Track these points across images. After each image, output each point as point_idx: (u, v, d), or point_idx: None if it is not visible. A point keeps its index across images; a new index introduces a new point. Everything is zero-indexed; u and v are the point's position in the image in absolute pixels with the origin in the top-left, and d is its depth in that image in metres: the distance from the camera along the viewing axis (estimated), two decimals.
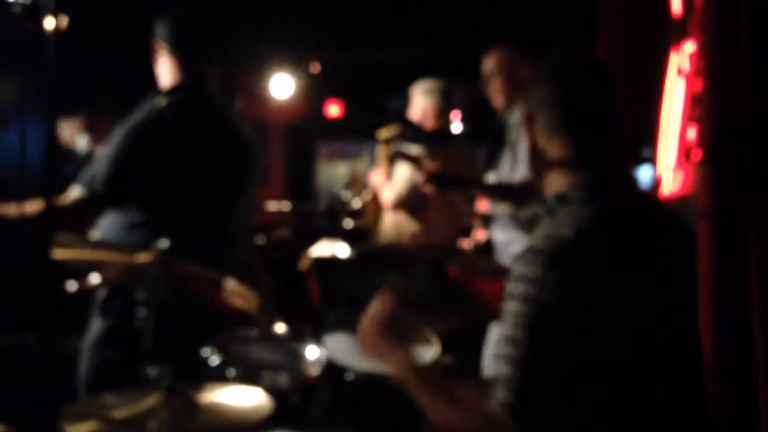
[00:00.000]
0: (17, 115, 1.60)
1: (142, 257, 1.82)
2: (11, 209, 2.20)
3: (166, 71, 2.51)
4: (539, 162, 1.53)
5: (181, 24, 2.50)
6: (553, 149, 1.49)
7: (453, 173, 3.13)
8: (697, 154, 2.66)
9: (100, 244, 2.04)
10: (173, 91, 2.47)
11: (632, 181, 1.53)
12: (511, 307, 1.33)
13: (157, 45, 2.51)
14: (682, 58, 2.84)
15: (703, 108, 2.48)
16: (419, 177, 3.14)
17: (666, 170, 2.95)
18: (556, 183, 1.49)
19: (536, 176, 1.57)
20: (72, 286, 2.55)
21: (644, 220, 1.47)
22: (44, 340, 1.48)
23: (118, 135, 2.32)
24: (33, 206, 2.14)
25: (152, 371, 1.79)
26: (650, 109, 3.10)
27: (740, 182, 2.34)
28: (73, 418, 1.60)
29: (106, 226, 2.39)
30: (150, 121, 2.34)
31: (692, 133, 2.76)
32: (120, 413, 1.65)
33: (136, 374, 1.88)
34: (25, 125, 1.57)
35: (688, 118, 2.81)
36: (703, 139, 2.51)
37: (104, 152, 2.33)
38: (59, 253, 1.73)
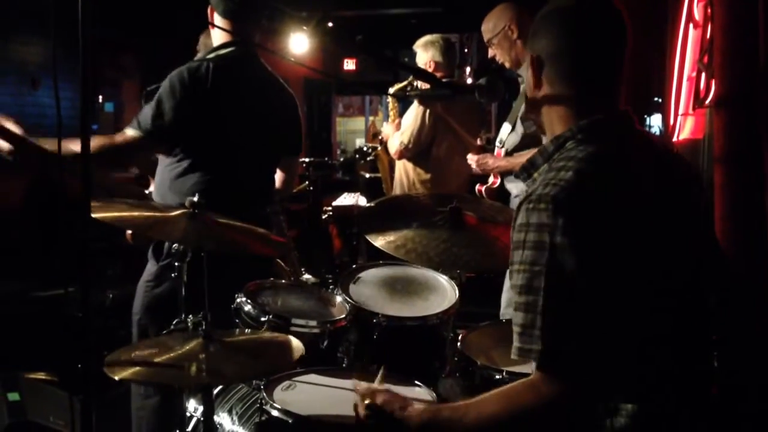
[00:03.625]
0: (48, 77, 1.63)
1: (176, 212, 1.89)
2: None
3: (217, 34, 2.67)
4: (539, 107, 1.53)
5: None
6: (558, 95, 1.48)
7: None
8: (712, 100, 2.66)
9: (135, 203, 2.10)
10: (220, 47, 2.63)
11: (631, 121, 1.51)
12: (521, 256, 1.34)
13: (211, 10, 2.65)
14: (695, 5, 2.83)
15: (719, 54, 2.48)
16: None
17: (678, 116, 2.96)
18: (556, 127, 1.50)
19: (535, 120, 1.57)
20: (128, 231, 2.71)
21: (644, 157, 1.48)
22: (87, 292, 1.53)
23: (165, 81, 2.48)
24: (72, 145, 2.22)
25: (190, 319, 1.88)
26: (662, 56, 3.10)
27: (756, 127, 2.35)
28: (114, 365, 1.64)
29: (157, 179, 2.60)
30: (192, 68, 2.50)
31: (705, 79, 2.76)
32: (160, 359, 1.70)
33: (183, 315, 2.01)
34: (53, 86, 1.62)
35: (701, 64, 2.81)
36: (719, 85, 2.52)
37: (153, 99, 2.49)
38: (97, 214, 1.80)
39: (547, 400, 1.32)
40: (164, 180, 2.57)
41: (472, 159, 3.52)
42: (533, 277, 1.32)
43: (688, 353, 1.47)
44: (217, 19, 2.63)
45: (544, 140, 1.62)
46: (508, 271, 1.44)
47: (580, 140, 1.44)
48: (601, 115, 1.46)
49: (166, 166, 2.57)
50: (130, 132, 2.45)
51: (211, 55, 2.60)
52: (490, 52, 3.43)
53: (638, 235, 1.37)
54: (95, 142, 2.36)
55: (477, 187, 3.61)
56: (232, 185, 2.51)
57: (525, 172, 1.53)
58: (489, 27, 3.40)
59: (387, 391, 1.55)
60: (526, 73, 1.58)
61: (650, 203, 1.42)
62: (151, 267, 2.59)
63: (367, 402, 1.52)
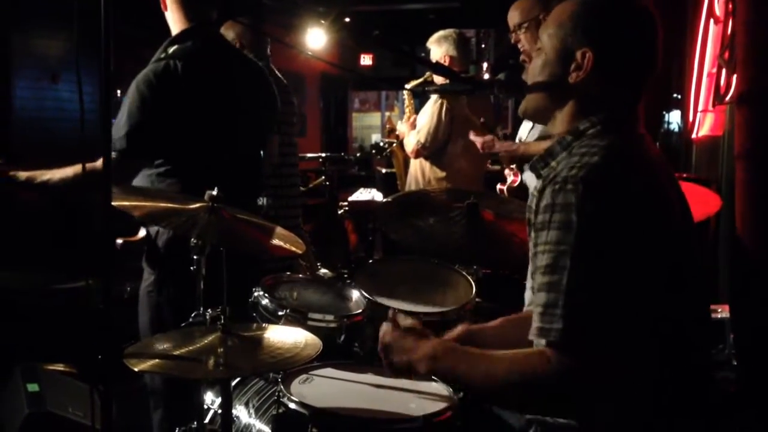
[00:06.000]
0: (67, 71, 1.64)
1: (196, 204, 1.90)
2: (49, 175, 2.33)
3: (173, 20, 2.53)
4: (563, 96, 1.51)
5: None
6: (597, 87, 1.47)
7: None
8: (733, 96, 2.64)
9: (155, 193, 2.12)
10: (179, 38, 2.49)
11: (639, 121, 1.53)
12: (547, 236, 1.34)
13: None
14: (715, 0, 2.81)
15: (742, 49, 2.45)
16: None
17: (697, 112, 2.94)
18: (574, 117, 1.50)
19: (549, 105, 1.55)
20: (119, 240, 2.67)
21: (654, 152, 1.52)
22: (108, 286, 1.55)
23: (130, 90, 2.36)
24: (69, 171, 2.30)
25: (208, 313, 1.89)
26: (682, 52, 3.07)
27: None
28: (134, 357, 1.65)
29: (137, 181, 2.44)
30: (158, 70, 2.37)
31: (726, 75, 2.74)
32: (179, 352, 1.70)
33: (189, 316, 1.96)
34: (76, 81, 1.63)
35: (722, 60, 2.79)
36: (740, 81, 2.50)
37: (121, 110, 2.37)
38: (117, 202, 1.81)
39: (557, 372, 1.30)
40: (144, 179, 2.42)
41: (477, 139, 3.41)
42: (559, 256, 1.32)
43: (694, 343, 1.47)
44: (171, 4, 2.50)
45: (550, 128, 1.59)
46: (529, 272, 1.44)
47: (599, 131, 1.45)
48: (620, 111, 1.48)
49: (145, 172, 2.43)
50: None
51: (172, 50, 2.43)
52: (514, 38, 3.35)
53: (658, 220, 1.39)
54: (73, 171, 2.33)
55: (498, 186, 3.58)
56: (218, 183, 2.20)
57: (543, 162, 1.54)
58: (521, 12, 3.31)
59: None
60: (539, 61, 1.55)
61: (666, 192, 1.45)
62: (148, 275, 2.48)
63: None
